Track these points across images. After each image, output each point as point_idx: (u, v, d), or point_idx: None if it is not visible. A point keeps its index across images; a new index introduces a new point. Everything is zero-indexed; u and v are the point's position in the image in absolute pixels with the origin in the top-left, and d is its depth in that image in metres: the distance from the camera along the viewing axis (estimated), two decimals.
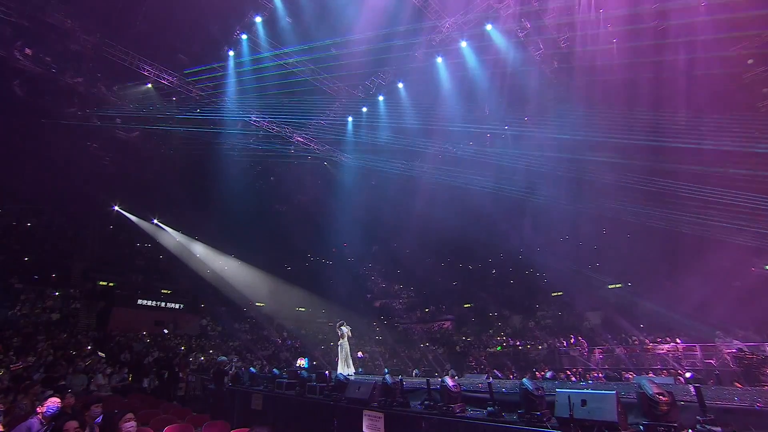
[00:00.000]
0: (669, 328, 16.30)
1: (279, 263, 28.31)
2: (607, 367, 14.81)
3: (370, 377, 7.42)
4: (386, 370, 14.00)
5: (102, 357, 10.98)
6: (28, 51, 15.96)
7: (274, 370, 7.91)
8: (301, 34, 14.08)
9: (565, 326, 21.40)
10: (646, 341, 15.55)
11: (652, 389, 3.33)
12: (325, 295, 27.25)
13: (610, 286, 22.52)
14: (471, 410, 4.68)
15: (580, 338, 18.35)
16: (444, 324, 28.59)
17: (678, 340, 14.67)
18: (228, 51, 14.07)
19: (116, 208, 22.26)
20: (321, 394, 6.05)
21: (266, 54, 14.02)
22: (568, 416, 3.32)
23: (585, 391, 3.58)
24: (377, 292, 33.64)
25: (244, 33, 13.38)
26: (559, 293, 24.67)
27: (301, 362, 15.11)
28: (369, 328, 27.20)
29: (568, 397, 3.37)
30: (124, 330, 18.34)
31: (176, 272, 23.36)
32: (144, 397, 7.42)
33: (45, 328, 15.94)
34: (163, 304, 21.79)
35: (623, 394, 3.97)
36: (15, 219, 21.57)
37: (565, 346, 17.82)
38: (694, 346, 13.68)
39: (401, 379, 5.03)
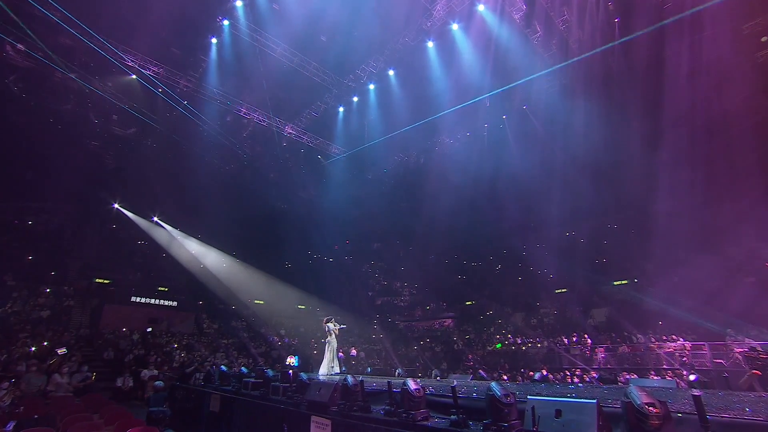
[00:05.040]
0: (677, 326, 15.46)
1: (279, 261, 27.89)
2: (609, 366, 14.04)
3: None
4: (368, 369, 13.40)
5: (61, 354, 10.54)
6: (20, 47, 15.71)
7: (242, 368, 7.37)
8: (287, 21, 13.51)
9: (568, 324, 20.61)
10: (652, 339, 14.74)
11: (640, 398, 2.68)
12: (325, 293, 26.75)
13: (615, 283, 21.66)
14: (437, 418, 4.09)
15: (585, 336, 17.57)
16: (445, 322, 27.92)
17: (680, 338, 13.85)
18: (210, 39, 13.54)
19: (116, 206, 22.09)
20: (284, 395, 5.52)
21: (250, 41, 13.46)
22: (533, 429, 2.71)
23: (560, 399, 2.95)
24: (378, 290, 33.06)
25: (225, 18, 12.82)
26: (563, 290, 23.86)
27: (291, 360, 14.60)
28: (368, 326, 26.64)
29: (533, 407, 2.75)
30: (116, 327, 18.06)
31: (174, 270, 23.06)
32: (97, 397, 6.94)
33: (33, 326, 15.67)
34: (156, 302, 21.49)
35: (609, 402, 3.33)
36: (15, 217, 21.43)
37: (566, 345, 17.06)
38: (703, 344, 12.86)
39: (362, 381, 4.45)
